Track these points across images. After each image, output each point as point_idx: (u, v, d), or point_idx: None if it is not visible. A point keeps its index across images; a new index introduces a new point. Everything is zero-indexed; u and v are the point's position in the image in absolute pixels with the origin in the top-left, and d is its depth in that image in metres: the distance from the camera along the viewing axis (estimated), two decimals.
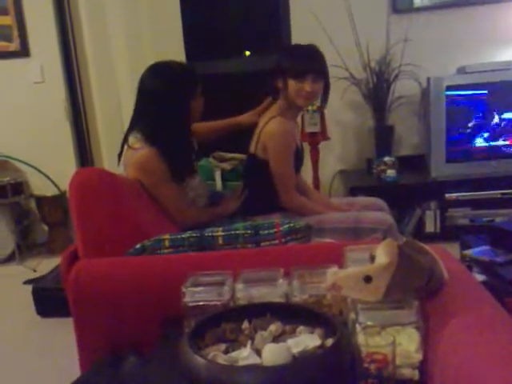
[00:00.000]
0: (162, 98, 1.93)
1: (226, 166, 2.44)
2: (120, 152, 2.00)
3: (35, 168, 3.84)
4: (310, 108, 3.28)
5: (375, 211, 2.22)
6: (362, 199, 2.47)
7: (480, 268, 2.32)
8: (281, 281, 1.18)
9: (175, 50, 3.59)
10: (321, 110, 3.19)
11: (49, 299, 2.75)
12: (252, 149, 2.22)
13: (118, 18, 3.61)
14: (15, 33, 3.74)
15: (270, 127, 2.14)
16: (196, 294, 1.17)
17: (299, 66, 2.11)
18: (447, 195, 3.34)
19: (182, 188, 2.00)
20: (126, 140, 1.96)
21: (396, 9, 3.57)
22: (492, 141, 3.37)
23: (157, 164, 1.88)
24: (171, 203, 1.93)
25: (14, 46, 3.77)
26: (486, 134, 3.36)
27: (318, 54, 2.18)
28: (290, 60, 2.16)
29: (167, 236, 1.56)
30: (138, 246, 1.53)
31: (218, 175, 2.41)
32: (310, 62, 2.14)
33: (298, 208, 2.18)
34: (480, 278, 2.20)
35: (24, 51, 3.78)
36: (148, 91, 1.96)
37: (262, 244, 1.54)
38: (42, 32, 3.73)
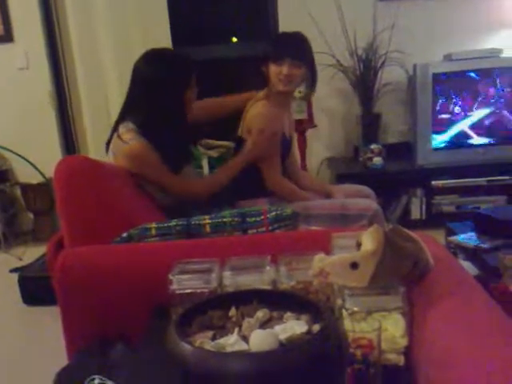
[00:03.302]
0: (155, 87, 1.90)
1: (213, 153, 2.43)
2: (108, 140, 1.98)
3: (20, 156, 3.81)
4: (296, 95, 3.28)
5: (361, 198, 2.24)
6: (348, 187, 2.48)
7: (465, 254, 2.34)
8: (268, 268, 1.18)
9: (161, 36, 3.55)
10: (307, 97, 3.19)
11: (35, 287, 2.74)
12: (239, 132, 2.26)
13: (103, 4, 3.57)
14: None
15: (253, 110, 2.20)
16: (183, 282, 1.17)
17: (278, 50, 2.17)
18: (433, 182, 3.37)
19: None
20: (116, 129, 1.94)
21: None
22: (478, 128, 3.39)
23: (150, 155, 1.87)
24: (177, 187, 1.95)
25: None
26: (472, 121, 3.38)
27: (300, 40, 2.22)
28: (272, 45, 2.23)
29: (154, 224, 1.55)
30: (124, 234, 1.52)
31: (205, 163, 2.41)
32: (289, 47, 2.18)
33: (283, 191, 2.20)
34: (465, 264, 2.22)
35: (7, 36, 3.73)
36: (141, 79, 1.93)
37: (250, 231, 1.55)
38: (26, 17, 3.68)
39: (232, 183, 2.14)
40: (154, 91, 1.91)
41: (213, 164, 2.42)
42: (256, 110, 2.20)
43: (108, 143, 1.98)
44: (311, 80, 2.31)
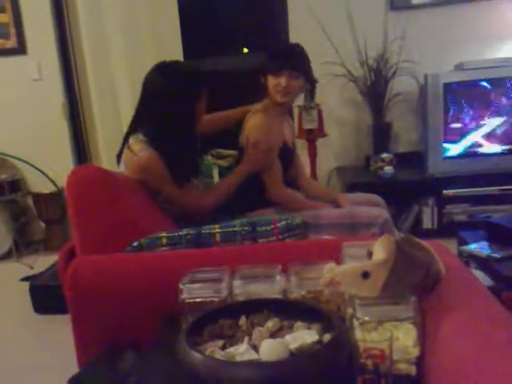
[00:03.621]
0: (166, 98, 1.91)
1: (223, 162, 2.44)
2: (119, 152, 1.99)
3: (32, 165, 3.84)
4: (307, 105, 3.29)
5: (371, 207, 2.22)
6: (358, 195, 2.47)
7: (477, 264, 2.32)
8: (278, 277, 1.18)
9: (173, 48, 3.58)
10: (311, 107, 3.20)
11: (46, 296, 2.75)
12: (240, 141, 2.26)
13: (115, 16, 3.60)
14: (12, 30, 3.74)
15: (251, 121, 2.22)
16: (193, 291, 1.17)
17: (276, 62, 2.17)
18: (445, 191, 3.35)
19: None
20: (126, 140, 1.95)
21: (393, 6, 3.57)
22: (490, 137, 3.37)
23: (157, 166, 1.87)
24: (185, 200, 1.95)
25: (11, 43, 3.77)
26: (483, 130, 3.36)
27: (298, 52, 2.23)
28: (270, 57, 2.23)
29: (164, 234, 1.56)
30: (135, 243, 1.53)
31: (215, 172, 2.42)
32: (287, 59, 2.18)
33: (286, 201, 2.21)
34: (477, 273, 2.20)
35: (21, 48, 3.78)
36: (152, 91, 1.94)
37: (260, 241, 1.55)
38: (39, 29, 3.73)
39: (237, 194, 2.14)
40: (165, 103, 1.91)
41: (223, 173, 2.43)
42: (254, 122, 2.21)
43: (119, 155, 1.99)
44: (310, 91, 2.34)
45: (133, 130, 1.95)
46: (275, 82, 2.16)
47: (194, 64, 2.09)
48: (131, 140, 1.91)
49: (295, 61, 2.19)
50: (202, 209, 2.01)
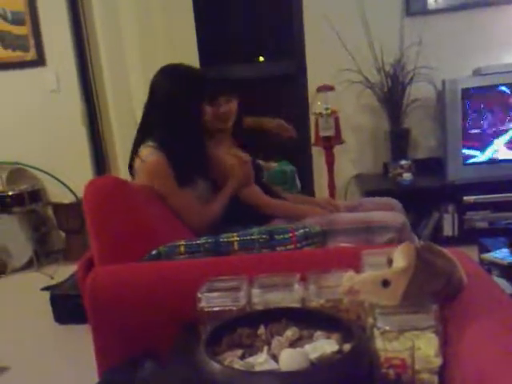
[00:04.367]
0: (171, 99, 1.93)
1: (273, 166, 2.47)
2: (130, 164, 2.00)
3: (52, 176, 3.88)
4: (324, 112, 3.28)
5: (387, 211, 2.19)
6: (373, 199, 2.44)
7: (499, 271, 2.29)
8: (297, 286, 1.17)
9: (189, 56, 3.61)
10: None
11: (66, 306, 2.77)
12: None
13: (132, 26, 3.64)
14: (31, 42, 3.79)
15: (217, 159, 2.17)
16: (212, 300, 1.17)
17: (208, 92, 2.10)
18: (465, 198, 3.31)
19: (192, 191, 2.00)
20: (135, 151, 1.95)
21: (410, 12, 3.55)
22: (509, 142, 3.33)
23: (166, 169, 1.88)
24: (185, 209, 1.93)
25: (30, 55, 3.82)
26: (503, 136, 3.32)
27: (215, 75, 2.30)
28: (197, 88, 2.13)
29: (183, 242, 1.56)
30: (153, 252, 1.53)
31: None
32: (216, 85, 2.18)
33: (276, 211, 2.16)
34: (499, 281, 2.17)
35: (40, 60, 3.82)
36: (158, 94, 1.96)
37: (278, 249, 1.54)
38: (57, 41, 3.78)
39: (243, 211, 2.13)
40: (171, 104, 1.93)
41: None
42: (220, 157, 2.15)
43: (130, 166, 2.00)
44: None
45: (141, 139, 1.96)
46: (214, 111, 2.14)
47: (198, 68, 2.09)
48: (141, 148, 1.93)
49: (223, 84, 2.22)
50: (202, 221, 1.95)
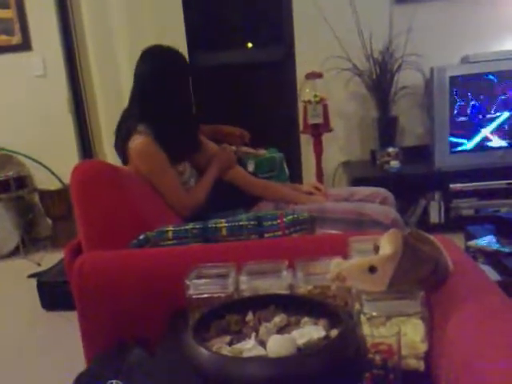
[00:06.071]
0: (154, 79, 1.95)
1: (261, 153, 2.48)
2: (116, 144, 2.01)
3: (38, 162, 3.85)
4: (313, 99, 3.28)
5: (379, 204, 2.19)
6: (364, 189, 2.44)
7: (485, 258, 2.31)
8: (285, 272, 1.18)
9: (177, 42, 3.56)
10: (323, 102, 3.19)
11: (53, 292, 2.76)
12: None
13: (119, 10, 3.60)
14: (16, 26, 3.73)
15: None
16: (200, 287, 1.17)
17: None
18: (452, 186, 3.33)
19: (179, 173, 2.00)
20: (127, 136, 1.95)
21: None
22: (496, 130, 3.35)
23: (153, 149, 1.88)
24: (170, 192, 1.94)
25: (15, 39, 3.76)
26: (490, 124, 3.34)
27: None
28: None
29: (171, 227, 1.55)
30: (141, 236, 1.53)
31: (251, 164, 2.43)
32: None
33: (265, 189, 2.21)
34: (485, 268, 2.19)
35: (26, 45, 3.77)
36: (141, 77, 1.98)
37: (266, 235, 1.54)
38: (43, 25, 3.72)
39: (232, 196, 2.15)
40: (155, 84, 1.95)
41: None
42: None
43: (116, 147, 2.01)
44: None
45: (129, 123, 1.96)
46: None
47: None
48: (132, 134, 1.92)
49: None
50: (185, 205, 1.98)
